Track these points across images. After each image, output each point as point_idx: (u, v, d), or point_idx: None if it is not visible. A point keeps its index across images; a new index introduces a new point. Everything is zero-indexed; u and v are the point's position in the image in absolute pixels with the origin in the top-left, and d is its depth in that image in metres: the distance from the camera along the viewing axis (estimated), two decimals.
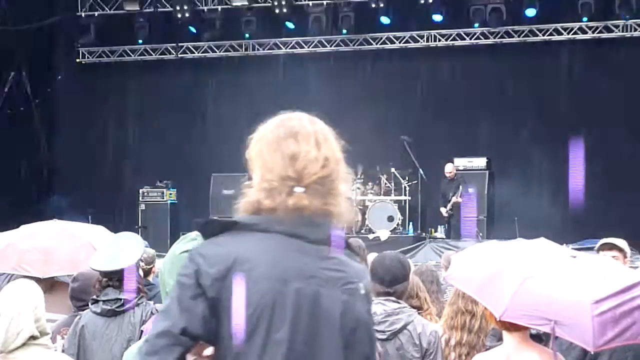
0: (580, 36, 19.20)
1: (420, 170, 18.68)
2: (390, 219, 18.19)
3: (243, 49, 20.77)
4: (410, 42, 20.04)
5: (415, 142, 18.76)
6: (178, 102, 21.04)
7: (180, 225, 18.63)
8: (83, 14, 20.48)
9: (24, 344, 4.07)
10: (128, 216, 19.83)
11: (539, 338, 4.49)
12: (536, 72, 19.44)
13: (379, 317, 5.34)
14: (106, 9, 20.55)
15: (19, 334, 4.06)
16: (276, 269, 2.75)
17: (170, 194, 19.82)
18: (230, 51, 20.86)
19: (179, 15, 19.91)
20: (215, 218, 2.88)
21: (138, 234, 12.55)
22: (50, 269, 6.63)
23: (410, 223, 18.57)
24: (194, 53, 21.02)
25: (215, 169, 18.84)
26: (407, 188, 18.68)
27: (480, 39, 19.70)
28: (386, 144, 18.93)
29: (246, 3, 19.74)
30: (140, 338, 4.76)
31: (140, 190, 19.86)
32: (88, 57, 21.41)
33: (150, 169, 20.36)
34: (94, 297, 5.38)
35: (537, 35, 19.39)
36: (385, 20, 19.55)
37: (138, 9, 20.13)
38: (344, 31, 19.87)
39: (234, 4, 19.81)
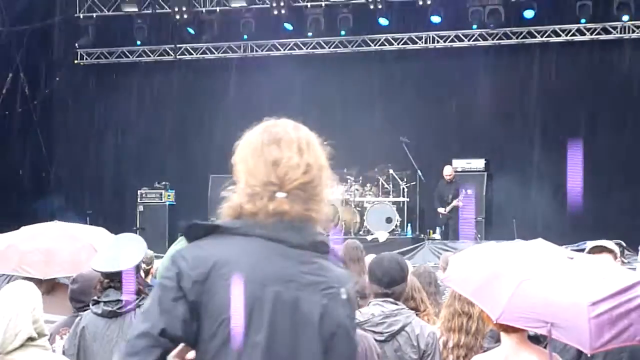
0: (579, 38, 19.22)
1: (419, 171, 18.68)
2: (389, 220, 18.19)
3: (241, 50, 20.78)
4: (408, 44, 20.05)
5: (413, 144, 18.77)
6: (176, 104, 21.05)
7: (178, 226, 18.63)
8: (81, 15, 20.47)
9: (21, 345, 4.07)
10: (126, 217, 19.82)
11: (537, 339, 4.49)
12: (535, 73, 19.46)
13: (377, 318, 5.35)
14: (104, 10, 20.55)
15: (17, 335, 4.05)
16: (255, 272, 2.79)
17: (169, 195, 19.82)
18: (228, 52, 20.86)
19: (177, 17, 19.91)
20: (198, 222, 2.89)
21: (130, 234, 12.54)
22: (52, 270, 6.63)
23: (409, 224, 18.57)
24: (192, 54, 21.03)
25: (213, 171, 18.83)
26: (406, 189, 18.68)
27: (479, 40, 19.71)
28: (385, 146, 18.93)
29: (244, 4, 19.73)
30: None
31: (139, 192, 19.86)
32: (86, 59, 21.42)
33: (149, 171, 20.36)
34: (95, 298, 5.38)
35: (535, 37, 19.40)
36: (383, 21, 19.55)
37: (136, 10, 20.13)
38: (343, 32, 19.86)
39: (233, 5, 19.81)
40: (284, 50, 20.58)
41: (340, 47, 20.32)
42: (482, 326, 5.55)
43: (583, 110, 18.98)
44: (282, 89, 19.83)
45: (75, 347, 5.34)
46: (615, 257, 6.56)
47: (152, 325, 2.76)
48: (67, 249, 6.78)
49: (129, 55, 21.23)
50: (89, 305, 5.49)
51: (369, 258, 7.40)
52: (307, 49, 20.47)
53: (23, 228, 7.23)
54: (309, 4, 19.65)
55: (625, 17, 18.61)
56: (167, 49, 21.05)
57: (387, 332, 5.33)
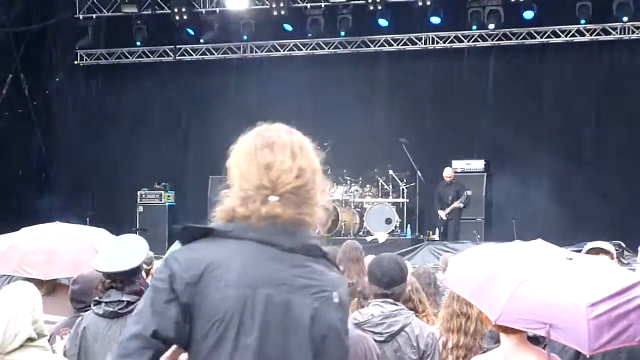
0: (578, 38, 19.22)
1: (418, 172, 18.69)
2: (388, 221, 18.19)
3: (241, 51, 20.78)
4: (408, 45, 20.05)
5: (413, 145, 18.77)
6: (176, 104, 21.05)
7: (173, 229, 18.59)
8: (81, 16, 20.47)
9: (21, 346, 4.07)
10: (126, 218, 19.82)
11: (536, 340, 4.49)
12: (534, 74, 19.47)
13: (376, 319, 5.35)
14: (104, 11, 20.54)
15: (17, 335, 4.06)
16: (247, 275, 2.82)
17: (169, 196, 19.83)
18: (228, 53, 20.87)
19: (177, 18, 19.91)
20: (191, 225, 2.92)
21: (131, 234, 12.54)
22: (53, 270, 6.64)
23: (408, 225, 18.57)
24: (192, 55, 21.03)
25: (213, 171, 18.82)
26: (405, 190, 18.68)
27: (478, 41, 19.71)
28: (384, 146, 18.94)
29: (245, 5, 19.73)
30: None
31: (139, 192, 19.87)
32: (86, 59, 21.42)
33: (149, 171, 20.36)
34: (97, 298, 5.38)
35: (534, 38, 19.40)
36: (383, 22, 19.56)
37: (136, 11, 20.12)
38: (342, 33, 19.87)
39: (232, 6, 19.81)
40: (284, 51, 20.59)
41: (339, 48, 20.33)
42: (480, 327, 5.57)
43: (583, 110, 18.99)
44: (281, 90, 19.83)
45: (76, 347, 5.34)
46: (612, 258, 6.60)
47: (144, 327, 2.79)
48: (69, 250, 6.79)
49: (129, 56, 21.24)
50: (89, 306, 5.50)
51: (368, 259, 7.41)
52: (306, 49, 20.48)
53: (24, 229, 7.24)
54: (308, 5, 19.65)
55: (625, 18, 18.61)
56: (167, 50, 21.06)
57: (386, 333, 5.33)
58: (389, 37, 20.06)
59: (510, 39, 19.51)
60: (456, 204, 17.90)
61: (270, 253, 2.85)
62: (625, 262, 12.54)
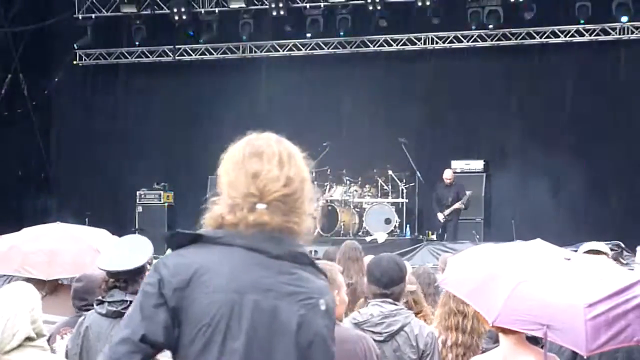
0: (578, 39, 19.22)
1: (418, 172, 18.69)
2: (388, 221, 18.19)
3: (240, 51, 20.78)
4: (407, 45, 20.05)
5: (412, 145, 18.78)
6: (175, 105, 21.05)
7: (177, 228, 18.57)
8: (80, 16, 20.45)
9: (19, 346, 4.07)
10: (125, 218, 19.82)
11: (535, 340, 4.49)
12: (533, 74, 19.48)
13: (375, 318, 5.35)
14: (103, 11, 20.54)
15: (15, 335, 4.05)
16: (234, 281, 2.86)
17: (168, 196, 19.82)
18: (227, 53, 20.86)
19: (176, 18, 19.91)
20: (181, 231, 2.97)
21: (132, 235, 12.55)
22: (54, 271, 6.65)
23: (407, 225, 18.57)
24: (191, 55, 21.03)
25: (212, 172, 18.74)
26: (405, 190, 18.68)
27: (478, 41, 19.71)
28: (383, 146, 18.94)
29: (243, 5, 19.73)
30: None
31: (138, 193, 19.87)
32: (85, 59, 21.41)
33: (148, 171, 20.35)
34: (100, 298, 5.37)
35: (534, 38, 19.40)
36: (382, 22, 19.55)
37: (135, 11, 20.12)
38: (342, 33, 19.87)
39: (231, 6, 19.81)
40: (283, 51, 20.58)
41: (339, 48, 20.32)
42: (477, 325, 5.62)
43: (582, 110, 18.99)
44: (281, 90, 19.85)
45: (78, 346, 5.34)
46: (608, 257, 6.61)
47: (133, 332, 2.84)
48: (70, 250, 6.80)
49: (128, 56, 21.23)
50: (91, 305, 5.49)
51: (367, 259, 7.41)
52: (306, 50, 20.47)
53: (25, 229, 7.24)
54: (307, 5, 19.64)
55: (624, 18, 18.62)
56: (166, 50, 21.05)
57: (386, 332, 5.33)
58: (388, 37, 20.05)
59: (510, 39, 19.51)
60: (457, 205, 17.89)
61: (258, 260, 2.90)
62: (624, 262, 12.50)
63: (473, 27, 19.40)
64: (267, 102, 19.95)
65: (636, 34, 18.87)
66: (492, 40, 19.63)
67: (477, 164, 18.96)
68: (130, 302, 5.23)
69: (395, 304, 5.41)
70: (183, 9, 19.77)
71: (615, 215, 17.91)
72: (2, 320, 4.08)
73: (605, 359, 5.11)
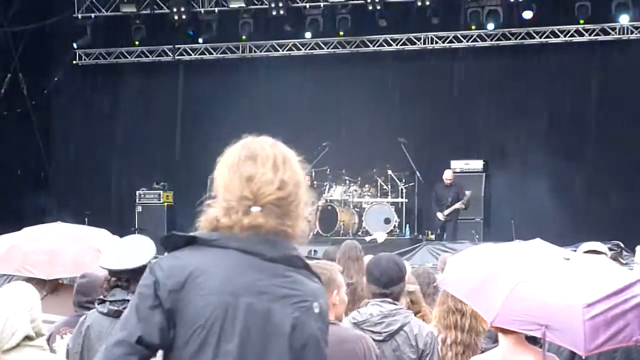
0: (577, 39, 19.22)
1: (417, 172, 18.68)
2: (387, 221, 18.19)
3: (240, 50, 20.77)
4: (407, 45, 20.05)
5: (412, 145, 18.78)
6: (174, 104, 21.05)
7: (177, 227, 18.62)
8: (80, 16, 20.45)
9: (18, 345, 4.07)
10: (125, 218, 19.83)
11: (534, 339, 4.49)
12: (533, 74, 19.48)
13: (375, 318, 5.36)
14: (103, 10, 20.54)
15: (14, 334, 4.06)
16: (229, 283, 2.89)
17: (167, 196, 19.81)
18: (227, 53, 20.86)
19: (176, 17, 19.90)
20: (176, 233, 3.00)
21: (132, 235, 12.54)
22: (55, 270, 6.66)
23: (407, 225, 18.57)
24: (191, 55, 21.03)
25: (212, 171, 18.72)
26: (404, 190, 18.67)
27: (477, 41, 19.71)
28: (383, 146, 18.94)
29: (243, 5, 19.73)
30: None
31: (137, 192, 19.86)
32: (85, 59, 21.41)
33: (147, 171, 20.35)
34: (101, 297, 5.38)
35: (533, 38, 19.40)
36: (382, 22, 19.55)
37: (135, 10, 20.12)
38: (341, 33, 19.86)
39: (231, 5, 19.81)
40: (283, 50, 20.58)
41: (338, 48, 20.33)
42: (475, 323, 5.66)
43: (582, 110, 19.00)
44: (280, 90, 19.85)
45: (79, 345, 5.34)
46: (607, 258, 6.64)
47: (129, 333, 2.87)
48: (71, 250, 6.81)
49: (128, 56, 21.23)
50: (92, 303, 5.50)
51: (367, 259, 7.42)
52: (305, 49, 20.47)
53: (25, 229, 7.25)
54: (307, 5, 19.64)
55: (624, 18, 18.62)
56: (166, 50, 21.05)
57: (385, 332, 5.33)
58: (387, 37, 20.06)
59: (509, 39, 19.51)
60: (458, 205, 17.88)
61: (252, 262, 2.92)
62: (624, 262, 12.51)
63: (472, 27, 19.40)
64: (267, 102, 19.94)
65: (636, 33, 18.88)
66: (491, 40, 19.64)
67: (477, 164, 18.96)
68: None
69: (395, 304, 5.41)
70: (183, 9, 19.77)
71: (615, 215, 17.91)
72: (1, 320, 4.08)
73: (604, 359, 5.11)
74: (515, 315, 4.19)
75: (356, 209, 18.55)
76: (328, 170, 18.68)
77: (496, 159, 19.15)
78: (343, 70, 20.13)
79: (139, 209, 19.75)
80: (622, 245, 14.57)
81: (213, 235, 2.95)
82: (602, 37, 19.11)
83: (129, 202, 20.02)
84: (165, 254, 3.12)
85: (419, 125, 19.73)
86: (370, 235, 17.87)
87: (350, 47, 20.25)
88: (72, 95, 21.46)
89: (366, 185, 18.83)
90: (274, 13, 19.44)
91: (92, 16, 20.50)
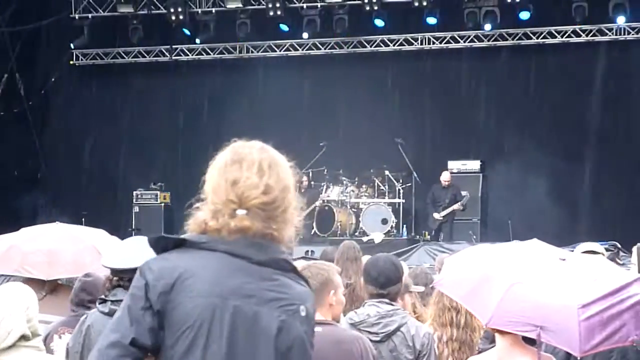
0: (574, 39, 19.23)
1: (414, 172, 18.69)
2: (384, 221, 18.19)
3: (237, 51, 20.77)
4: (404, 45, 20.06)
5: (409, 145, 18.79)
6: (172, 105, 21.05)
7: (174, 228, 18.61)
8: (77, 16, 20.43)
9: (14, 345, 4.06)
10: (122, 218, 19.81)
11: (532, 340, 4.49)
12: (530, 75, 19.49)
13: (372, 319, 5.36)
14: (100, 10, 20.52)
15: (10, 333, 4.06)
16: (217, 286, 2.93)
17: (164, 196, 19.80)
18: (224, 53, 20.85)
19: (173, 18, 19.89)
20: (165, 235, 3.05)
21: (132, 236, 12.54)
22: (55, 271, 6.66)
23: (404, 226, 18.57)
24: (188, 55, 21.02)
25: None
26: (401, 191, 18.68)
27: (474, 41, 19.72)
28: (380, 147, 18.94)
29: (240, 5, 19.73)
30: None
31: (134, 193, 19.85)
32: (82, 59, 21.40)
33: (144, 172, 20.34)
34: (102, 296, 5.38)
35: (530, 39, 19.41)
36: (379, 22, 19.56)
37: (132, 11, 20.11)
38: (338, 33, 19.85)
39: (228, 6, 19.81)
40: (280, 51, 20.58)
41: (336, 48, 20.32)
42: (470, 320, 5.73)
43: (579, 111, 19.02)
44: (278, 90, 19.85)
45: (79, 345, 5.35)
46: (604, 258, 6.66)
47: (123, 335, 2.90)
48: (70, 250, 6.81)
49: (125, 56, 21.22)
50: (94, 302, 5.51)
51: (365, 259, 7.42)
52: (303, 50, 20.47)
53: (23, 229, 7.24)
54: (304, 5, 19.64)
55: (621, 19, 18.64)
56: (163, 50, 21.03)
57: (382, 333, 5.34)
58: (385, 37, 20.06)
59: (507, 40, 19.52)
60: (456, 207, 17.89)
61: (240, 265, 2.96)
62: (621, 262, 12.54)
63: (470, 28, 19.41)
64: (264, 102, 19.94)
65: (633, 34, 18.89)
66: (488, 40, 19.64)
67: (474, 164, 18.97)
68: None
69: (392, 304, 5.42)
70: (180, 9, 19.75)
71: (612, 215, 17.92)
72: None
73: (600, 359, 5.11)
74: (510, 316, 4.19)
75: (353, 210, 18.55)
76: (325, 170, 18.68)
77: (493, 160, 19.15)
78: (340, 71, 20.13)
79: (136, 209, 19.74)
80: (619, 245, 14.63)
81: (202, 238, 2.99)
82: (599, 38, 19.12)
83: (126, 202, 20.01)
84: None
85: (416, 125, 19.73)
86: (368, 235, 17.87)
87: (348, 47, 20.25)
88: (69, 95, 21.44)
89: (363, 186, 18.83)
90: (271, 13, 19.44)
91: (89, 16, 20.48)
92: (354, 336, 4.88)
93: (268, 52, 20.66)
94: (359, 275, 7.65)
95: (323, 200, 18.35)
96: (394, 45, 20.10)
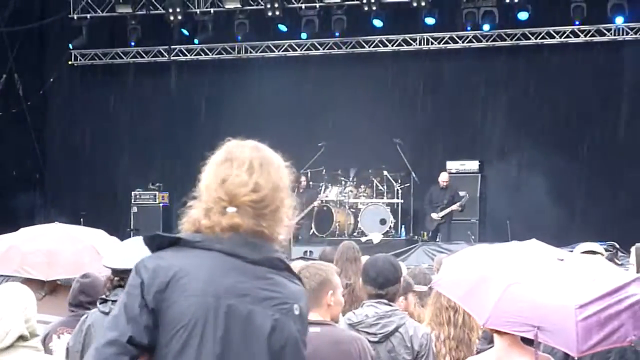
0: (573, 40, 19.23)
1: (413, 173, 18.69)
2: (383, 221, 18.19)
3: (235, 51, 20.76)
4: (402, 45, 20.05)
5: (407, 145, 18.79)
6: (170, 105, 21.03)
7: (173, 228, 18.59)
8: (75, 16, 20.41)
9: (12, 345, 4.06)
10: (120, 219, 19.80)
11: (531, 341, 4.49)
12: (528, 75, 19.49)
13: (370, 319, 5.36)
14: (98, 11, 20.51)
15: (8, 333, 4.05)
16: (211, 285, 2.95)
17: (163, 196, 19.80)
18: (222, 54, 20.85)
19: (172, 18, 19.88)
20: (160, 233, 3.07)
21: (130, 236, 12.56)
22: (54, 271, 6.65)
23: (403, 226, 18.58)
24: (186, 55, 21.01)
25: None
26: (400, 191, 18.69)
27: (473, 42, 19.72)
28: (379, 147, 18.94)
29: (239, 5, 19.73)
30: None
31: (133, 193, 19.84)
32: (80, 59, 21.39)
33: (143, 172, 20.34)
34: (103, 296, 5.38)
35: (529, 39, 19.42)
36: (377, 23, 19.56)
37: (130, 11, 20.10)
38: (337, 34, 19.85)
39: (227, 6, 19.80)
40: (278, 51, 20.57)
41: (334, 49, 20.32)
42: (468, 319, 5.75)
43: (577, 111, 19.02)
44: (276, 90, 19.84)
45: (80, 344, 5.35)
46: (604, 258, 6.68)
47: (121, 333, 2.92)
48: (69, 250, 6.80)
49: (123, 57, 21.21)
50: (92, 303, 5.51)
51: (363, 260, 7.43)
52: (301, 50, 20.47)
53: (22, 229, 7.23)
54: (303, 6, 19.64)
55: (619, 19, 18.64)
56: (161, 50, 21.03)
57: (380, 333, 5.34)
58: (383, 37, 20.06)
59: (505, 40, 19.52)
60: (454, 207, 17.88)
61: (234, 264, 2.98)
62: (619, 263, 12.54)
63: (468, 28, 19.41)
64: (262, 103, 19.93)
65: (631, 34, 18.90)
66: (487, 41, 19.64)
67: (473, 165, 18.97)
68: None
69: (390, 305, 5.42)
70: (178, 9, 19.74)
71: (611, 215, 17.91)
72: None
73: (598, 359, 5.11)
74: (508, 316, 4.19)
75: (352, 210, 18.56)
76: (324, 170, 18.68)
77: (492, 160, 19.16)
78: (339, 71, 20.12)
79: (135, 209, 19.75)
80: (618, 245, 14.63)
81: (196, 237, 3.00)
82: (598, 38, 19.12)
83: (125, 202, 20.01)
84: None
85: (415, 126, 19.73)
86: (366, 236, 17.87)
87: (346, 48, 20.25)
88: (68, 96, 21.44)
89: (362, 186, 18.84)
90: (270, 14, 19.44)
91: (88, 17, 20.46)
92: (353, 337, 4.88)
93: (266, 52, 20.66)
94: (358, 275, 7.65)
95: (321, 201, 18.36)
96: (392, 46, 20.10)
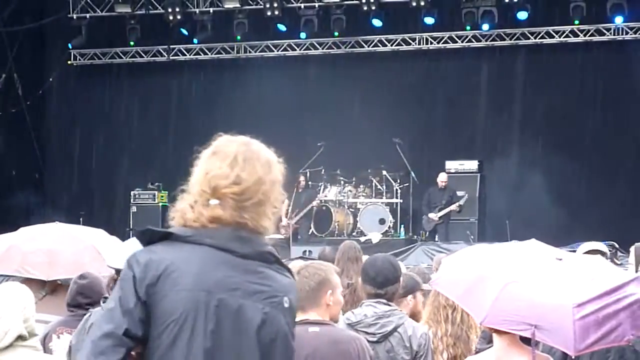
0: (572, 39, 19.23)
1: (412, 172, 18.69)
2: (382, 221, 18.19)
3: (235, 51, 20.76)
4: (402, 45, 20.05)
5: (406, 145, 18.78)
6: (169, 104, 21.03)
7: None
8: (74, 16, 20.40)
9: (12, 345, 4.06)
10: (119, 218, 19.80)
11: (530, 340, 4.49)
12: (528, 75, 19.49)
13: (369, 319, 5.36)
14: (98, 10, 20.50)
15: (7, 333, 4.05)
16: (202, 279, 2.97)
17: (162, 196, 19.78)
18: (221, 53, 20.84)
19: (171, 17, 19.88)
20: (152, 228, 3.10)
21: (130, 236, 12.55)
22: (55, 271, 6.65)
23: (402, 226, 18.57)
24: (186, 55, 21.01)
25: None
26: (399, 191, 18.68)
27: (472, 41, 19.72)
28: (378, 147, 18.94)
29: (238, 5, 19.73)
30: None
31: (132, 193, 19.84)
32: (79, 59, 21.38)
33: (142, 171, 20.33)
34: (106, 295, 5.39)
35: (528, 39, 19.41)
36: (377, 22, 19.56)
37: (130, 11, 20.10)
38: (336, 33, 19.85)
39: (226, 6, 19.80)
40: (278, 51, 20.57)
41: (333, 48, 20.32)
42: (466, 317, 5.76)
43: (577, 111, 19.02)
44: (275, 90, 19.83)
45: (82, 342, 5.35)
46: (606, 259, 6.67)
47: (117, 326, 2.94)
48: (70, 250, 6.81)
49: (122, 56, 21.20)
50: (91, 304, 5.50)
51: (364, 259, 7.43)
52: (300, 50, 20.46)
53: (22, 229, 7.23)
54: (302, 5, 19.64)
55: (619, 19, 18.65)
56: (161, 50, 21.02)
57: (379, 333, 5.34)
58: (382, 37, 20.05)
59: (504, 40, 19.52)
60: (453, 207, 17.87)
61: (225, 258, 3.00)
62: (619, 262, 12.55)
63: (467, 28, 19.41)
64: (262, 102, 19.93)
65: (630, 34, 18.90)
66: (486, 40, 19.64)
67: (472, 164, 18.96)
68: None
69: (389, 305, 5.41)
70: (177, 9, 19.74)
71: (610, 215, 17.92)
72: None
73: (597, 359, 5.11)
74: (505, 315, 4.19)
75: (351, 210, 18.56)
76: (323, 170, 18.68)
77: (491, 160, 19.15)
78: (338, 71, 20.13)
79: (134, 209, 19.73)
80: (617, 245, 14.63)
81: (187, 231, 3.03)
82: (597, 38, 19.12)
83: (124, 202, 20.00)
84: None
85: (414, 125, 19.73)
86: (365, 235, 17.87)
87: (345, 47, 20.25)
88: (67, 95, 21.43)
89: (361, 186, 18.83)
90: (269, 13, 19.44)
91: (87, 16, 20.45)
92: (351, 336, 4.88)
93: (266, 52, 20.65)
94: (359, 275, 7.66)
95: (321, 200, 18.35)
96: (391, 45, 20.09)
